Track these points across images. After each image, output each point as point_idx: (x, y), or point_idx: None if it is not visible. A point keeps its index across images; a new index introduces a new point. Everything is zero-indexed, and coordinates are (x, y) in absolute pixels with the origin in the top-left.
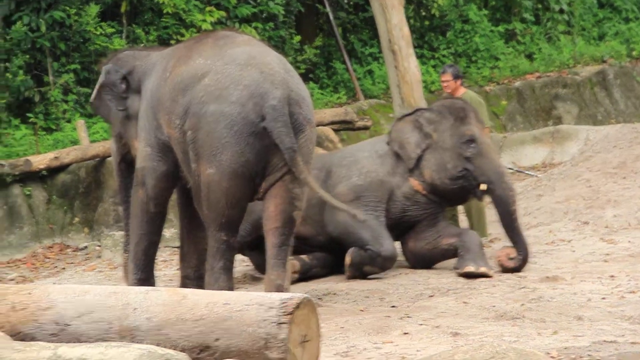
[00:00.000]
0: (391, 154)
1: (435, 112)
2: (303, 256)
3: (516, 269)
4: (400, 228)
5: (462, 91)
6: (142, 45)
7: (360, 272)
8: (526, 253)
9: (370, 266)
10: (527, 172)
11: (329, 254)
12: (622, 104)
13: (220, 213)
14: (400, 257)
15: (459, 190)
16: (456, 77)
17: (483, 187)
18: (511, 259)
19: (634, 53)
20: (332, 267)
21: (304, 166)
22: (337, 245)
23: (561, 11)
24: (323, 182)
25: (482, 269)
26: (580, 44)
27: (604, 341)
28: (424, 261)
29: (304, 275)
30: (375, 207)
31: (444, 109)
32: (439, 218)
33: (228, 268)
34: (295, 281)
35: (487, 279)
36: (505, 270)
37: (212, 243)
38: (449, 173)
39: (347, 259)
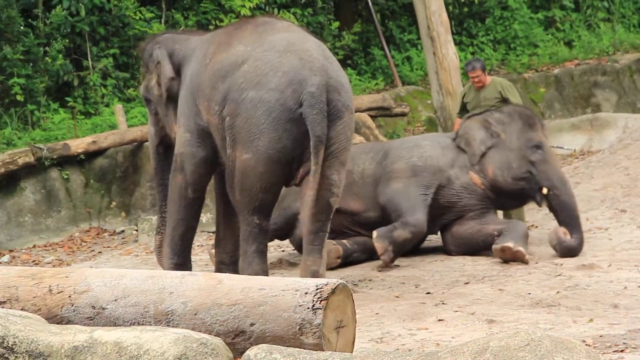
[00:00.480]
0: (454, 148)
1: (505, 114)
2: (344, 241)
3: (572, 248)
4: (450, 213)
5: (489, 79)
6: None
7: (391, 242)
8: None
9: (401, 229)
10: (560, 146)
11: (370, 237)
12: None
13: (254, 197)
14: (434, 243)
15: (519, 191)
16: (484, 69)
17: (545, 191)
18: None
19: None
20: (372, 252)
21: (320, 158)
22: (382, 219)
23: None
24: (379, 163)
25: (520, 248)
26: (620, 32)
27: None
28: (464, 245)
29: (345, 260)
30: (426, 188)
31: (514, 112)
32: (489, 213)
33: (262, 251)
34: (335, 266)
35: (523, 266)
36: (561, 246)
37: (244, 227)
38: (513, 172)
39: (373, 234)
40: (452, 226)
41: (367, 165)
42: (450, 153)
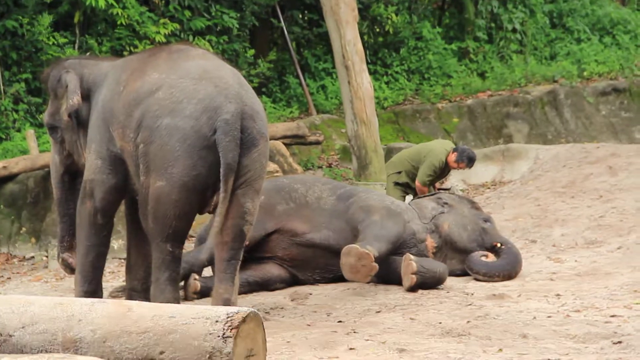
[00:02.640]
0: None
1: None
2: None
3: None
4: None
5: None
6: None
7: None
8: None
9: None
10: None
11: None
12: (573, 123)
13: (167, 224)
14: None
15: None
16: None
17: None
18: None
19: (585, 73)
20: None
21: (230, 186)
22: (323, 243)
23: (514, 30)
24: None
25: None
26: (532, 64)
27: (548, 359)
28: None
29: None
30: None
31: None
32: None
33: (174, 279)
34: (242, 293)
35: (435, 295)
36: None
37: (157, 254)
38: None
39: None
40: None
41: (324, 195)
42: None
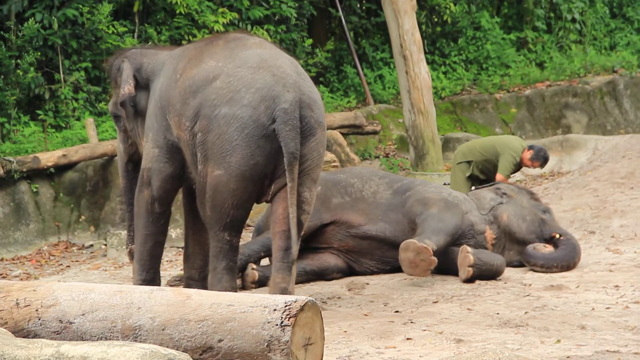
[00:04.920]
0: None
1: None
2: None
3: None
4: None
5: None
6: (151, 44)
7: None
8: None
9: None
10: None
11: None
12: (632, 114)
13: (225, 213)
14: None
15: None
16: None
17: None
18: None
19: None
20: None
21: (295, 174)
22: (378, 236)
23: (573, 20)
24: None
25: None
26: (591, 54)
27: (607, 351)
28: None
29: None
30: None
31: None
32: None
33: (231, 268)
34: (299, 283)
35: (492, 285)
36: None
37: (214, 243)
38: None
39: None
40: None
41: (381, 189)
42: None
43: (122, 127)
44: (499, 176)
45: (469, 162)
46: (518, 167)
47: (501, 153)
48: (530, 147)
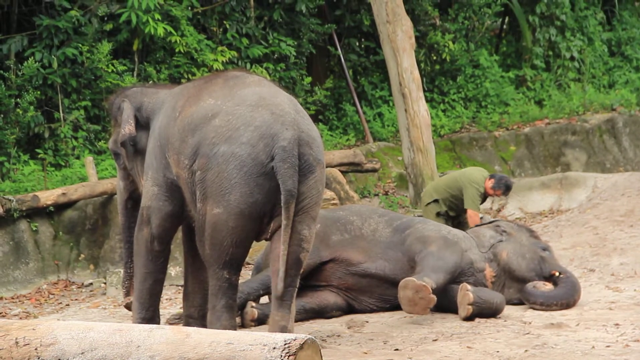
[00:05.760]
0: None
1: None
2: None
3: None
4: None
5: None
6: (151, 83)
7: None
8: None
9: None
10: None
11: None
12: (631, 152)
13: (224, 251)
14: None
15: None
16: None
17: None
18: None
19: None
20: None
21: (291, 213)
22: (377, 273)
23: (572, 58)
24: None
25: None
26: (590, 92)
27: None
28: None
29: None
30: None
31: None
32: None
33: (230, 306)
34: (298, 320)
35: (492, 324)
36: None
37: (213, 282)
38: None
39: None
40: None
41: (380, 227)
42: None
43: (122, 164)
44: (469, 211)
45: (436, 201)
46: (484, 197)
47: (464, 187)
48: (492, 176)
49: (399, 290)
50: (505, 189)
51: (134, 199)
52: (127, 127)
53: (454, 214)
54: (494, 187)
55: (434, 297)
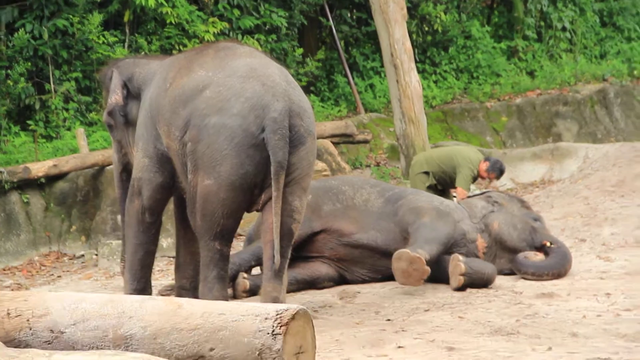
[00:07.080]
0: None
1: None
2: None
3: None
4: None
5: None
6: (143, 54)
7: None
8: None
9: None
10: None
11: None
12: (622, 122)
13: (215, 223)
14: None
15: None
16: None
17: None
18: None
19: (635, 72)
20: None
21: (281, 184)
22: (370, 243)
23: (563, 29)
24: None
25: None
26: (581, 62)
27: (598, 358)
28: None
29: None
30: None
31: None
32: None
33: (222, 277)
34: (290, 291)
35: (484, 294)
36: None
37: (205, 252)
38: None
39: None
40: None
41: (372, 197)
42: None
43: (116, 136)
44: (459, 190)
45: (427, 173)
46: (475, 179)
47: (459, 165)
48: (487, 159)
49: (392, 262)
50: (499, 172)
51: (128, 171)
52: (115, 97)
53: (442, 188)
54: (489, 169)
55: (428, 269)
